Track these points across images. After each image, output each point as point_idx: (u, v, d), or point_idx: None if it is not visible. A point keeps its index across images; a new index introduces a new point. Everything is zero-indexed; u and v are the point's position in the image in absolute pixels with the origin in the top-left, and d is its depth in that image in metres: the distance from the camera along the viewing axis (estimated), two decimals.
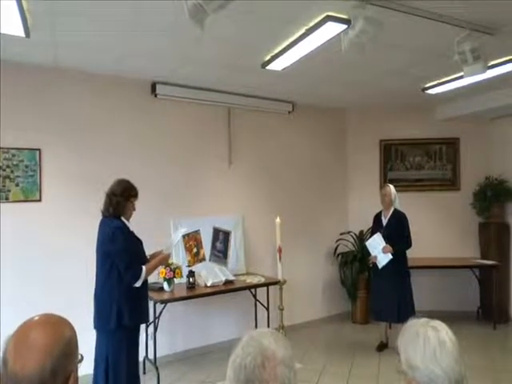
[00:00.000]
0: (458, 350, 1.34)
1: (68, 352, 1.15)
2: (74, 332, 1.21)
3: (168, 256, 3.52)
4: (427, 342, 1.34)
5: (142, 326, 3.47)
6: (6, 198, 4.03)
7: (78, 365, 1.20)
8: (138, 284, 3.15)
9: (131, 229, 3.28)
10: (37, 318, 1.20)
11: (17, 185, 4.08)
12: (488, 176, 6.20)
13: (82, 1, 2.94)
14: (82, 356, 1.22)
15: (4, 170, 4.02)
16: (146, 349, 4.49)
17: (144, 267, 3.19)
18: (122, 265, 3.10)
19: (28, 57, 4.00)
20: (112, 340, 3.12)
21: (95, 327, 3.19)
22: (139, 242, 3.33)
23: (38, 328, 1.16)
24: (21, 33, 3.30)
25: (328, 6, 3.08)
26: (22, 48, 3.75)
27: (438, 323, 1.41)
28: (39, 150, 4.20)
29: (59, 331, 1.17)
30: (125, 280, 3.11)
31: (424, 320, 1.45)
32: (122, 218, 3.24)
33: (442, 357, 1.31)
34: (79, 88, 4.43)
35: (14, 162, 4.07)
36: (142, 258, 3.30)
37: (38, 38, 3.53)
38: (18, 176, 4.08)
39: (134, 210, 3.33)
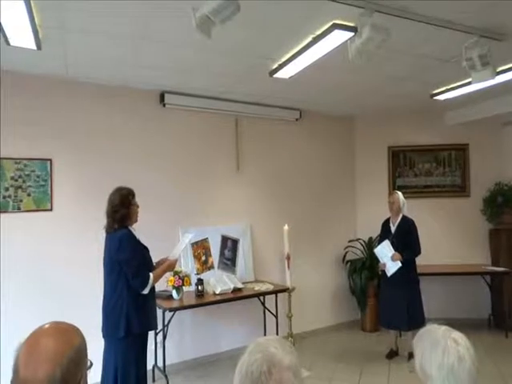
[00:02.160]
0: (475, 366, 1.32)
1: (77, 359, 1.17)
2: (84, 339, 1.23)
3: (175, 262, 3.54)
4: (446, 354, 1.32)
5: (151, 334, 3.49)
6: (18, 208, 4.08)
7: (88, 371, 1.22)
8: (145, 291, 3.18)
9: (138, 236, 3.31)
10: (47, 325, 1.23)
11: (28, 194, 4.13)
12: (498, 182, 6.15)
13: (91, 15, 3.00)
14: (91, 362, 1.24)
15: (16, 181, 4.08)
16: (155, 357, 4.51)
17: (151, 274, 3.22)
18: (129, 272, 3.13)
19: (39, 68, 4.07)
20: (121, 348, 3.14)
21: (104, 336, 3.21)
22: (146, 249, 3.35)
23: (48, 336, 1.18)
24: (32, 45, 3.37)
25: (335, 14, 3.11)
26: (34, 59, 3.82)
27: (458, 335, 1.39)
28: (50, 160, 4.26)
29: (69, 339, 1.19)
30: (133, 287, 3.14)
31: (445, 329, 1.42)
32: (129, 227, 3.27)
33: (460, 373, 1.30)
34: (89, 99, 4.50)
35: (26, 172, 4.13)
36: (149, 265, 3.33)
37: (49, 50, 3.59)
38: (29, 186, 4.14)
39: (138, 206, 3.34)
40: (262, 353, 1.16)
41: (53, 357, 1.13)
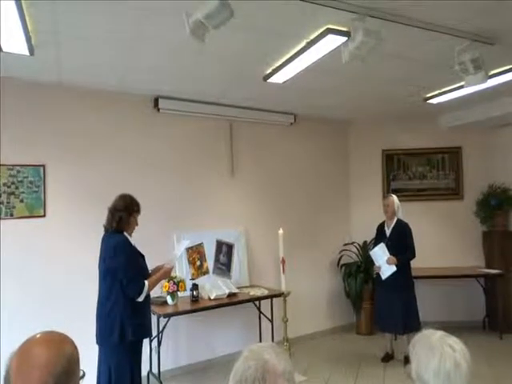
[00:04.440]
0: (471, 372, 1.33)
1: (69, 369, 1.16)
2: (76, 349, 1.22)
3: (170, 269, 3.52)
4: (443, 361, 1.32)
5: (146, 340, 3.46)
6: (11, 214, 4.05)
7: (80, 381, 1.21)
8: (140, 298, 3.16)
9: (133, 243, 3.29)
10: (38, 335, 1.21)
11: (21, 201, 4.11)
12: (491, 184, 6.19)
13: (85, 20, 3.00)
14: (83, 372, 1.23)
15: (9, 187, 4.05)
16: (150, 363, 4.48)
17: (147, 282, 3.20)
18: (124, 279, 3.11)
19: (32, 74, 4.05)
20: (115, 355, 3.11)
21: (98, 343, 3.19)
22: (141, 256, 3.34)
23: (40, 346, 1.17)
24: (25, 51, 3.36)
25: (328, 19, 3.12)
26: (27, 65, 3.80)
27: (454, 341, 1.39)
28: (43, 166, 4.23)
29: (60, 349, 1.18)
30: (128, 294, 3.12)
31: (441, 334, 1.42)
32: (125, 233, 3.26)
33: (456, 379, 1.30)
34: (83, 104, 4.48)
35: (19, 179, 4.10)
36: (145, 273, 3.31)
37: (41, 56, 3.58)
38: (22, 192, 4.11)
39: (137, 224, 3.36)
40: (256, 360, 1.16)
41: (44, 367, 1.12)
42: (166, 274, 3.48)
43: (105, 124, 4.60)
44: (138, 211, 3.33)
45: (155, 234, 4.60)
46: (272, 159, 5.82)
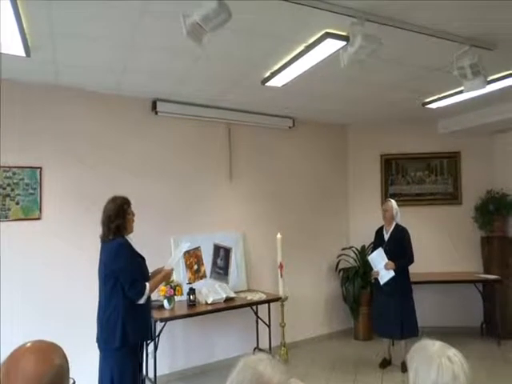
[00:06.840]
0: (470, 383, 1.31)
1: (58, 380, 1.15)
2: (65, 358, 1.20)
3: (171, 271, 3.50)
4: (440, 373, 1.30)
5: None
6: (6, 217, 4.02)
7: None
8: (141, 301, 3.13)
9: (133, 246, 3.26)
10: (28, 344, 1.20)
11: (17, 203, 4.07)
12: (490, 189, 6.18)
13: (83, 22, 2.98)
14: (73, 380, 1.21)
15: (4, 189, 4.02)
16: (146, 368, 4.43)
17: (148, 284, 3.18)
18: (126, 282, 3.08)
19: (29, 76, 4.03)
20: (117, 359, 3.08)
21: (99, 347, 3.15)
22: (142, 258, 3.31)
23: (28, 356, 1.16)
24: (21, 52, 3.34)
25: (327, 23, 3.11)
26: (23, 67, 3.78)
27: (453, 352, 1.37)
28: (40, 168, 4.21)
29: (49, 359, 1.16)
30: (129, 297, 3.09)
31: (440, 345, 1.40)
32: (125, 236, 3.22)
33: None
34: (80, 106, 4.46)
35: (15, 181, 4.07)
36: (146, 275, 3.29)
37: (38, 58, 3.57)
38: (18, 194, 4.08)
39: (134, 215, 3.30)
40: (251, 372, 1.14)
41: (32, 377, 1.10)
42: (167, 276, 3.46)
43: (102, 126, 4.58)
44: (129, 206, 3.26)
45: (152, 238, 4.57)
46: (270, 163, 5.80)
